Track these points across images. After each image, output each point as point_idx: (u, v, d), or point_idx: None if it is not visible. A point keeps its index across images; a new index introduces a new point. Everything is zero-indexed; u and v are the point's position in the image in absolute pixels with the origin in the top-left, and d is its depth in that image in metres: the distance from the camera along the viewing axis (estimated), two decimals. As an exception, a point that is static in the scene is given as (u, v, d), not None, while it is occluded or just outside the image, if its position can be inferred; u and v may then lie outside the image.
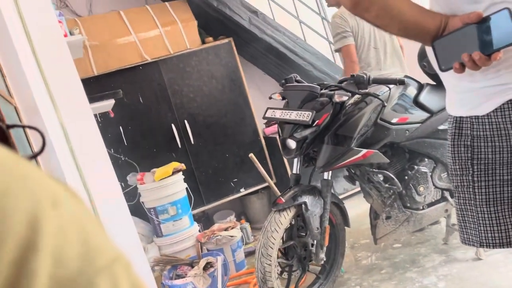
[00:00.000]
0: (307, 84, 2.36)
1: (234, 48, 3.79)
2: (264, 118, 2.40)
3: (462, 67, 0.92)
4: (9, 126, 0.44)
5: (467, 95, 1.03)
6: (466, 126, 1.05)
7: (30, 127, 0.48)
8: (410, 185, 2.39)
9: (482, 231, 1.04)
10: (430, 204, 2.46)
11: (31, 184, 0.19)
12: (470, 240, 1.07)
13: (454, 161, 1.08)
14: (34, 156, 0.46)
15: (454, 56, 0.93)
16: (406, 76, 2.34)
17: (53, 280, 0.18)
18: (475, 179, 1.04)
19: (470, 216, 1.07)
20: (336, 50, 2.93)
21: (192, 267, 2.83)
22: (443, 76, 1.08)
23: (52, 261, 0.18)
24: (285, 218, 2.14)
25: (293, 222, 2.24)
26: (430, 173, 2.42)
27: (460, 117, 1.07)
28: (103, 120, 3.34)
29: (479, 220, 1.04)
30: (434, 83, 2.42)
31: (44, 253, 0.18)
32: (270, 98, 2.43)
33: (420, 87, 2.40)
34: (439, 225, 2.89)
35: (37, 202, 0.19)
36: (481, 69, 0.92)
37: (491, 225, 1.02)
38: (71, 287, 0.18)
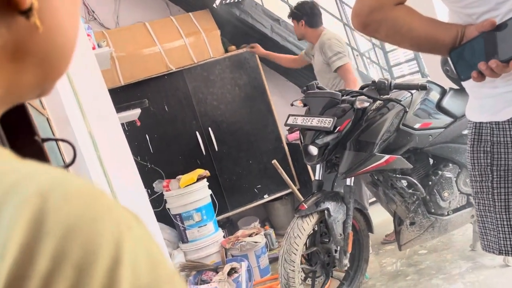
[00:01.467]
0: (328, 90, 2.37)
1: (257, 56, 3.83)
2: (285, 125, 2.42)
3: (481, 76, 0.91)
4: (44, 140, 0.48)
5: (488, 100, 1.03)
6: (486, 132, 1.05)
7: (63, 140, 0.53)
8: (435, 190, 2.36)
9: (501, 238, 1.03)
10: (456, 210, 2.42)
11: (113, 211, 0.25)
12: (490, 247, 1.06)
13: (474, 167, 1.07)
14: (66, 167, 0.51)
15: (471, 66, 0.92)
16: (428, 81, 2.33)
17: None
18: (495, 185, 1.03)
19: (489, 223, 1.06)
20: (336, 69, 3.00)
21: (217, 272, 2.87)
22: (464, 82, 1.08)
23: (131, 272, 0.23)
24: (308, 224, 2.16)
25: (316, 228, 2.25)
26: (455, 178, 2.39)
27: (480, 122, 1.06)
28: (130, 128, 3.43)
29: (498, 227, 1.03)
30: (458, 88, 2.39)
31: (126, 266, 0.23)
32: (292, 105, 2.45)
33: (443, 91, 2.37)
34: (466, 230, 2.84)
35: (118, 226, 0.24)
36: (502, 75, 0.91)
37: (510, 232, 1.01)
38: None
